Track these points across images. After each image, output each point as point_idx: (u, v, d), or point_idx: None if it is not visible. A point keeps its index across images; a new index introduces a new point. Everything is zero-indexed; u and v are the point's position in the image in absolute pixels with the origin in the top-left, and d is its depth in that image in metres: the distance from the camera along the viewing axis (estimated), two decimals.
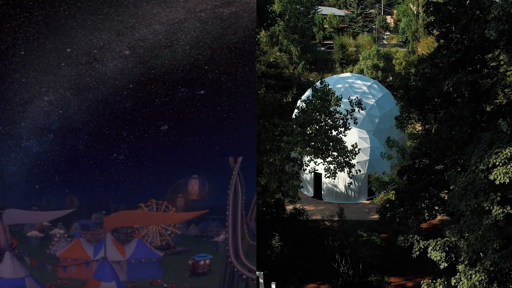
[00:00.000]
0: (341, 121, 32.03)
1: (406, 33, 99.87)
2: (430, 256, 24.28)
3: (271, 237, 39.43)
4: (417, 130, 39.69)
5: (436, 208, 28.69)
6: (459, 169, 26.01)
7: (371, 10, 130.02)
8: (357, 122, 33.25)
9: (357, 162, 49.67)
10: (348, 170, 32.20)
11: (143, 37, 30.72)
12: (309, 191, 53.02)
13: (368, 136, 53.07)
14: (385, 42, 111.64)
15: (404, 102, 35.25)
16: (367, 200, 51.16)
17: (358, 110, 32.95)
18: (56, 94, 33.86)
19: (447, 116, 26.91)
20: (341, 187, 51.21)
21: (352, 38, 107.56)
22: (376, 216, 43.62)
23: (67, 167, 45.53)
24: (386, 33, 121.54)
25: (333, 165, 31.59)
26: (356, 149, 32.24)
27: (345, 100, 35.50)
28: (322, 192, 51.93)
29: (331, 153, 31.17)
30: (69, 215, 50.17)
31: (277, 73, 77.42)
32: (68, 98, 35.57)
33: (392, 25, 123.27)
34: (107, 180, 45.81)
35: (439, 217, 44.64)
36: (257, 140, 30.24)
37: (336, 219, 41.33)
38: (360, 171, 35.01)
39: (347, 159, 31.60)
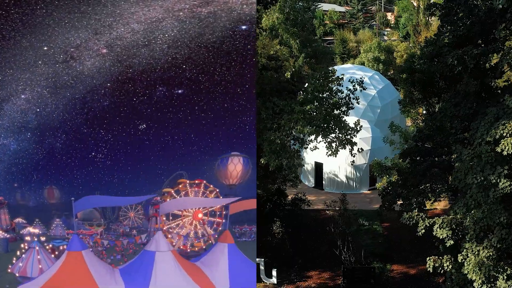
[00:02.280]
0: (343, 101, 31.47)
1: (407, 27, 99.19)
2: (435, 234, 23.69)
3: (272, 224, 38.92)
4: (420, 114, 39.19)
5: (440, 187, 28.10)
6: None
7: (371, 7, 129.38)
8: (359, 102, 32.72)
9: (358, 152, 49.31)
10: (350, 147, 31.55)
11: (120, 36, 30.12)
12: (310, 181, 52.45)
13: (369, 126, 52.53)
14: (386, 38, 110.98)
15: (407, 85, 34.69)
16: (369, 190, 50.61)
17: (360, 90, 32.38)
18: (33, 92, 32.94)
19: (452, 93, 26.37)
20: (342, 177, 50.67)
21: (353, 33, 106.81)
22: (378, 206, 43.06)
23: (46, 165, 44.23)
24: (386, 29, 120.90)
25: (335, 143, 31.00)
26: (358, 127, 31.64)
27: (345, 88, 35.00)
28: (323, 182, 51.36)
29: (334, 130, 30.59)
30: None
31: (277, 66, 76.88)
32: (45, 97, 34.83)
33: (392, 21, 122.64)
34: (86, 179, 44.75)
35: (442, 206, 44.22)
36: (256, 118, 29.70)
37: (338, 208, 40.77)
38: (362, 149, 34.10)
39: (349, 137, 30.96)
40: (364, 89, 32.60)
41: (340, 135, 30.67)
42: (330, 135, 30.70)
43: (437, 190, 28.27)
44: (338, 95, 31.44)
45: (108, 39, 30.86)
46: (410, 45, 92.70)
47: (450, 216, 23.34)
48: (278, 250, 38.67)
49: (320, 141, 31.42)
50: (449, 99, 25.98)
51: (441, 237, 23.39)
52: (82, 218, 43.30)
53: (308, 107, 29.55)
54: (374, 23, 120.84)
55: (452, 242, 23.27)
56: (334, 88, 31.47)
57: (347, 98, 31.62)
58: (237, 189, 53.89)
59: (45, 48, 30.22)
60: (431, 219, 24.27)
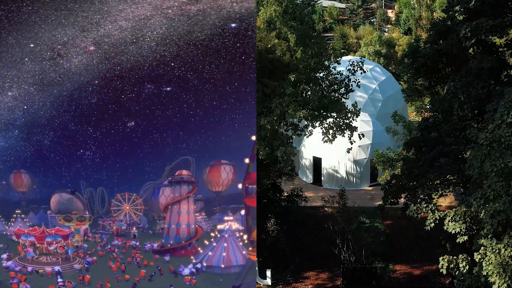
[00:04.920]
0: (341, 83, 28.82)
1: (408, 23, 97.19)
2: (447, 228, 21.05)
3: (266, 221, 36.48)
4: (424, 104, 36.80)
5: (449, 178, 25.46)
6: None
7: (372, 4, 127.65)
8: (360, 85, 30.08)
9: (358, 146, 46.89)
10: (349, 133, 28.76)
11: (108, 33, 29.96)
12: (308, 177, 50.02)
13: (370, 119, 50.16)
14: (386, 35, 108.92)
15: (411, 71, 32.23)
16: (370, 186, 48.21)
17: (361, 73, 29.83)
18: (20, 89, 32.69)
19: (463, 72, 23.72)
20: (342, 172, 48.23)
21: (353, 29, 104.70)
22: (379, 202, 40.70)
23: (34, 163, 43.86)
24: (387, 26, 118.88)
25: (333, 130, 28.28)
26: (357, 109, 28.96)
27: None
28: (322, 178, 48.97)
29: (330, 115, 27.88)
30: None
31: (275, 60, 74.68)
32: (33, 94, 34.40)
33: (393, 18, 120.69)
34: (74, 176, 43.82)
35: (447, 202, 41.75)
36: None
37: (336, 204, 38.34)
38: (363, 135, 30.95)
39: (348, 121, 28.21)
40: (364, 72, 30.00)
41: (338, 119, 27.92)
42: (327, 120, 27.98)
43: (446, 182, 25.63)
44: (337, 77, 28.83)
45: (96, 37, 30.67)
46: (413, 40, 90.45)
47: (464, 209, 20.71)
48: (273, 249, 36.29)
49: (316, 126, 28.73)
50: (460, 78, 23.34)
51: (453, 231, 20.74)
52: (57, 210, 36.66)
53: (301, 87, 26.98)
54: (374, 20, 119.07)
55: (465, 238, 20.63)
56: (331, 67, 28.91)
57: (346, 80, 29.01)
58: (223, 194, 51.34)
59: (32, 45, 30.14)
60: (442, 212, 21.62)
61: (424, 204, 22.27)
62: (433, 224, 21.81)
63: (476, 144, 19.46)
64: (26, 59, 30.59)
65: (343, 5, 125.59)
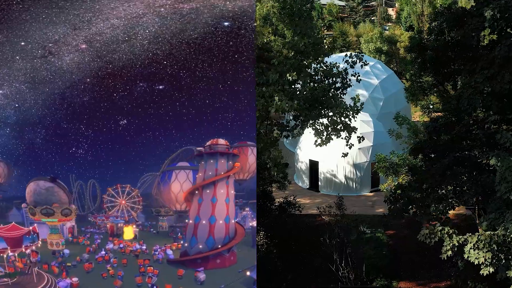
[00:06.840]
0: (337, 76, 25.20)
1: (410, 19, 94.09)
2: (468, 257, 17.33)
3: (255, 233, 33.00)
4: (432, 102, 33.16)
5: (467, 190, 21.80)
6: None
7: (372, 2, 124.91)
8: (360, 80, 26.47)
9: (358, 149, 43.45)
10: (347, 135, 24.98)
11: (100, 31, 30.12)
12: (304, 182, 46.56)
13: (371, 119, 46.65)
14: (387, 33, 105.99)
15: (416, 67, 28.63)
16: (371, 192, 44.79)
17: (361, 65, 26.24)
18: (11, 87, 33.04)
19: (485, 63, 20.04)
20: (341, 177, 44.70)
21: (353, 27, 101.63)
22: (381, 210, 37.34)
23: (26, 161, 44.82)
24: (388, 24, 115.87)
25: (327, 131, 24.58)
26: (358, 104, 25.26)
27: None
28: (319, 183, 45.61)
29: (324, 112, 24.21)
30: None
31: (272, 57, 71.79)
32: (24, 92, 35.16)
33: (394, 16, 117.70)
34: (67, 174, 44.07)
35: (455, 211, 38.20)
36: None
37: (334, 213, 34.82)
38: (363, 138, 26.77)
39: (346, 120, 24.48)
40: (366, 64, 26.40)
41: (334, 117, 24.21)
42: (320, 119, 24.27)
43: (461, 196, 21.93)
44: (332, 69, 25.25)
45: (87, 35, 30.63)
46: (415, 33, 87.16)
47: (488, 233, 17.00)
48: (263, 264, 32.70)
49: (308, 127, 25.06)
50: (481, 71, 19.61)
51: (476, 262, 17.06)
52: (34, 203, 30.78)
53: (288, 75, 23.43)
54: (374, 18, 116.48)
55: (491, 269, 16.86)
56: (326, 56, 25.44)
57: (344, 73, 25.41)
58: (244, 185, 46.82)
59: (23, 43, 30.34)
60: (461, 236, 17.86)
61: (439, 226, 18.53)
62: (450, 252, 18.05)
63: (501, 151, 15.82)
64: (17, 57, 30.58)
65: (342, 3, 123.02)
